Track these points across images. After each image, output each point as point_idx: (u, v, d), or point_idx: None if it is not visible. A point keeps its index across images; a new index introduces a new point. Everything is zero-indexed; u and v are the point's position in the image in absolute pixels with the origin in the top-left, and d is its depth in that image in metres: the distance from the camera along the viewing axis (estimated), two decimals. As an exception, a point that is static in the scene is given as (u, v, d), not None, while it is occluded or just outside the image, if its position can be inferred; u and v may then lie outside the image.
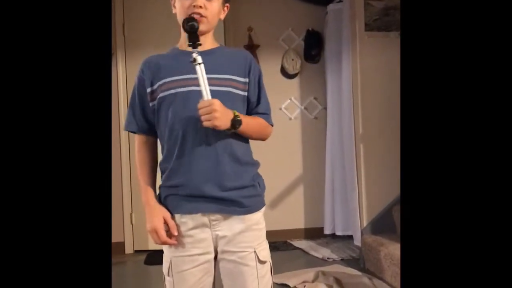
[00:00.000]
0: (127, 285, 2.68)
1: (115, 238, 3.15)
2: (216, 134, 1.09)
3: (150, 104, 1.15)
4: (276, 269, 1.19)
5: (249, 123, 1.13)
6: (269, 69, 3.42)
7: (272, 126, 1.25)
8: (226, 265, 1.13)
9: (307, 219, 3.55)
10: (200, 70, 1.05)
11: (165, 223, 1.11)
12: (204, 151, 1.10)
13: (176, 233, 1.11)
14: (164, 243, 1.11)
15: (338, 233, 3.21)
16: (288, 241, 3.40)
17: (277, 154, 3.42)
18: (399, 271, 2.23)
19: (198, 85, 1.07)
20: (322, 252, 3.04)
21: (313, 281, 2.42)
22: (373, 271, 2.56)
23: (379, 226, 2.76)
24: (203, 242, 1.11)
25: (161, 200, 1.16)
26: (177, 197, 1.12)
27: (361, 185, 2.78)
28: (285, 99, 3.54)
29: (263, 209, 1.18)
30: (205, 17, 1.12)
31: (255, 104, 1.20)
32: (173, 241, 1.11)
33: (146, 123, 1.18)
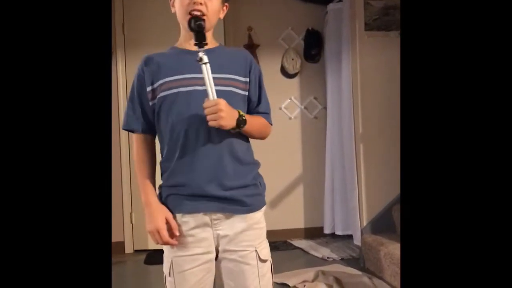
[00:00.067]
0: (127, 284, 2.68)
1: (115, 237, 3.16)
2: (218, 133, 1.09)
3: (150, 103, 1.15)
4: (276, 268, 1.20)
5: (252, 123, 1.14)
6: (269, 68, 3.42)
7: (271, 125, 1.26)
8: (227, 264, 1.13)
9: (307, 218, 3.55)
10: (206, 69, 1.05)
11: (167, 223, 1.11)
12: (207, 151, 1.10)
13: (178, 234, 1.10)
14: (166, 243, 1.11)
15: (338, 232, 3.21)
16: (288, 240, 3.40)
17: (277, 154, 3.42)
18: (399, 271, 2.23)
19: (200, 84, 1.08)
20: (322, 251, 3.04)
21: (313, 281, 2.42)
22: (373, 270, 2.56)
23: (379, 225, 2.76)
24: (204, 242, 1.11)
25: (161, 199, 1.15)
26: (178, 197, 1.12)
27: (361, 184, 2.78)
28: (285, 98, 3.54)
29: (263, 208, 1.18)
30: (205, 14, 1.12)
31: (255, 103, 1.21)
32: (175, 241, 1.10)
33: (145, 121, 1.17)
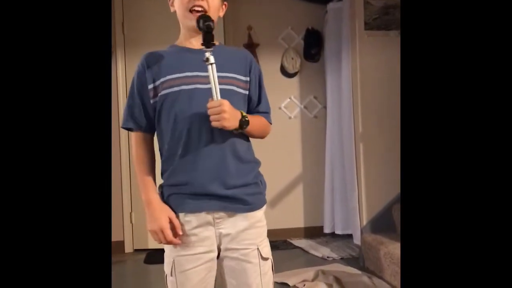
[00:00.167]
0: (126, 284, 2.68)
1: (114, 237, 3.16)
2: (220, 132, 1.09)
3: (151, 101, 1.14)
4: (276, 268, 1.20)
5: (254, 123, 1.14)
6: (269, 68, 3.42)
7: (271, 124, 1.26)
8: (229, 262, 1.13)
9: (306, 218, 3.55)
10: (212, 70, 1.05)
11: (170, 222, 1.10)
12: (209, 149, 1.10)
13: (181, 233, 1.10)
14: (169, 243, 1.10)
15: (338, 232, 3.21)
16: (288, 240, 3.40)
17: (277, 153, 3.42)
18: (398, 270, 2.23)
19: (202, 82, 1.08)
20: (321, 251, 3.05)
21: (313, 280, 2.42)
22: (372, 270, 2.56)
23: (378, 225, 2.76)
24: (206, 240, 1.11)
25: (163, 199, 1.15)
26: (181, 196, 1.12)
27: (360, 184, 2.78)
28: (284, 98, 3.54)
29: (264, 207, 1.18)
30: (206, 10, 1.12)
31: (256, 103, 1.21)
32: (178, 240, 1.10)
33: (146, 120, 1.16)
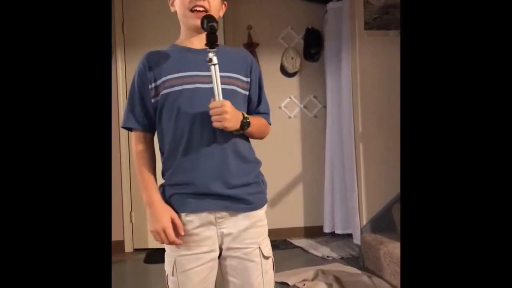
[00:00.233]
0: (126, 283, 2.68)
1: (114, 236, 3.15)
2: (222, 132, 1.09)
3: (152, 101, 1.14)
4: (276, 267, 1.20)
5: (255, 124, 1.14)
6: (269, 67, 3.42)
7: (270, 125, 1.27)
8: (231, 261, 1.13)
9: (306, 217, 3.55)
10: (215, 70, 1.05)
11: (172, 222, 1.10)
12: (211, 149, 1.10)
13: (183, 233, 1.10)
14: (172, 243, 1.10)
15: (338, 231, 3.21)
16: (288, 239, 3.40)
17: (277, 153, 3.42)
18: (398, 270, 2.23)
19: (203, 82, 1.08)
20: (321, 250, 3.05)
21: (312, 280, 2.42)
22: (372, 269, 2.56)
23: (378, 224, 2.76)
24: (208, 240, 1.11)
25: (165, 198, 1.14)
26: (183, 196, 1.11)
27: (360, 183, 2.79)
28: (284, 97, 3.54)
29: (265, 206, 1.19)
30: (208, 10, 1.12)
31: (256, 104, 1.22)
32: (180, 241, 1.10)
33: (146, 119, 1.15)
